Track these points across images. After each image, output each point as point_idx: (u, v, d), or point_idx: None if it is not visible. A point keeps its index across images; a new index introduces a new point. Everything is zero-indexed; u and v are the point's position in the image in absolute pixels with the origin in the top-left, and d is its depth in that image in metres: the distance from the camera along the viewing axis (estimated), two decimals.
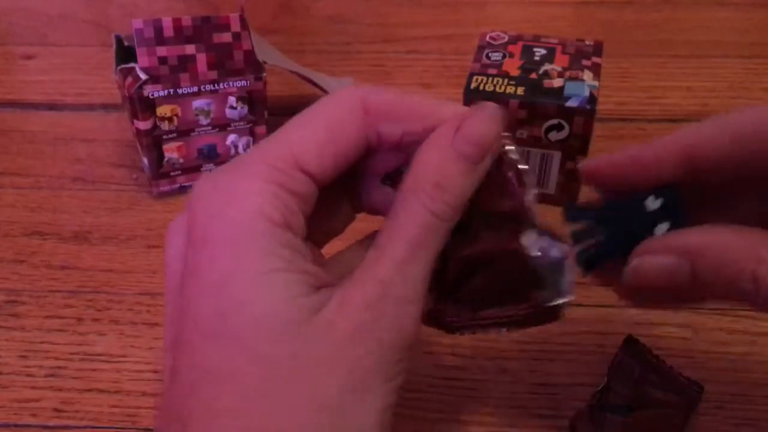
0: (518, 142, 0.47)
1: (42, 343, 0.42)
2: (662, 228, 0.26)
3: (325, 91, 0.55)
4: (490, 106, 0.26)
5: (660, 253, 0.26)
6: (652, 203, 0.27)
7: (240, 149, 0.51)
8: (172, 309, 0.26)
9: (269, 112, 0.51)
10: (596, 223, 0.28)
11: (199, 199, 0.25)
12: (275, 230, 0.23)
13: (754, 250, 0.24)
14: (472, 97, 0.47)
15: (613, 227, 0.27)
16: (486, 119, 0.25)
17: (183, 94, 0.48)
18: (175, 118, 0.48)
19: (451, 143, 0.25)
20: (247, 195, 0.24)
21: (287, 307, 0.23)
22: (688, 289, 0.25)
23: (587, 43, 0.51)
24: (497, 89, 0.46)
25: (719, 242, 0.25)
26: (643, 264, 0.26)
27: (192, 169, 0.51)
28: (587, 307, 0.43)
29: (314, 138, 0.25)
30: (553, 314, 0.28)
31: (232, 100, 0.49)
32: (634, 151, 0.28)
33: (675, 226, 0.26)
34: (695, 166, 0.27)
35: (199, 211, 0.24)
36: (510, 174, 0.26)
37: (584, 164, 0.29)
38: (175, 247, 0.26)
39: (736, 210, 0.28)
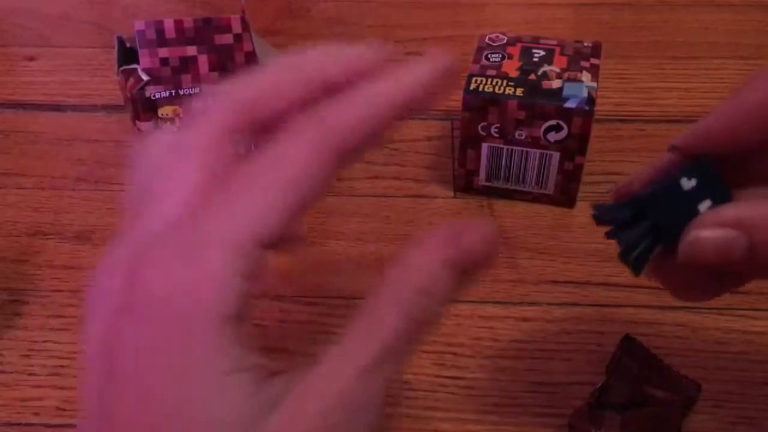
0: (517, 142, 0.48)
1: (45, 342, 0.42)
2: (705, 205, 0.26)
3: None
4: (489, 226, 0.24)
5: (715, 226, 0.25)
6: (688, 183, 0.26)
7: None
8: (96, 387, 0.23)
9: None
10: (634, 218, 0.27)
11: (152, 284, 0.21)
12: (226, 328, 0.21)
13: None
14: (470, 96, 0.47)
15: (655, 216, 0.27)
16: (486, 240, 0.24)
17: (185, 95, 0.48)
18: (176, 119, 0.49)
19: (449, 255, 0.23)
20: (200, 289, 0.21)
21: (242, 412, 0.21)
22: (743, 263, 0.25)
23: (586, 44, 0.51)
24: (496, 90, 0.47)
25: None
26: (699, 238, 0.26)
27: None
28: (585, 306, 0.43)
29: (280, 207, 0.22)
30: None
31: None
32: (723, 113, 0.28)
33: (717, 202, 0.26)
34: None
35: (142, 290, 0.22)
36: None
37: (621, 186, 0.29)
38: (104, 308, 0.23)
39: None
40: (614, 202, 0.28)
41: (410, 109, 0.24)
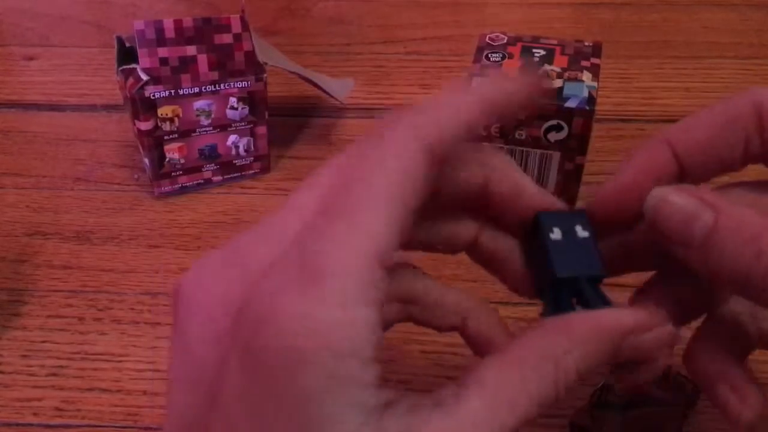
0: (518, 142, 0.48)
1: (44, 342, 0.42)
2: (557, 232, 0.26)
3: (326, 92, 0.56)
4: (676, 335, 0.24)
5: (686, 193, 0.24)
6: (554, 235, 0.26)
7: (241, 150, 0.52)
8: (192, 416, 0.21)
9: (270, 113, 0.52)
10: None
11: (275, 317, 0.19)
12: (360, 374, 0.20)
13: None
14: None
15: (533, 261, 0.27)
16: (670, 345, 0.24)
17: (184, 95, 0.48)
18: (176, 118, 0.49)
19: (618, 342, 0.23)
20: (332, 334, 0.19)
21: None
22: (695, 245, 0.24)
23: (586, 44, 0.51)
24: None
25: (743, 208, 0.24)
26: (666, 201, 0.24)
27: (193, 170, 0.51)
28: None
29: (389, 221, 0.20)
30: None
31: (233, 100, 0.50)
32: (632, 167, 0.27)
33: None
34: (685, 161, 0.26)
35: (274, 336, 0.19)
36: None
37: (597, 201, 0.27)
38: (210, 331, 0.21)
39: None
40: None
41: (489, 114, 0.24)
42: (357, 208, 0.21)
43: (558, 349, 0.22)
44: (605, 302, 0.25)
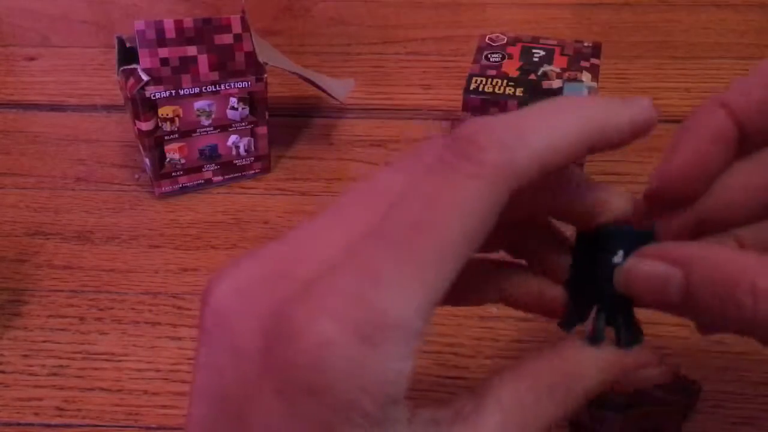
0: None
1: (44, 342, 0.42)
2: (620, 255, 0.24)
3: (326, 92, 0.56)
4: (665, 372, 0.25)
5: (652, 259, 0.23)
6: (616, 258, 0.24)
7: (241, 150, 0.52)
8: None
9: (270, 113, 0.52)
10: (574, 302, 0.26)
11: (311, 349, 0.18)
12: (402, 411, 0.20)
13: (753, 264, 0.22)
14: (470, 96, 0.47)
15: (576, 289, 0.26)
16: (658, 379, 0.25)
17: (184, 95, 0.48)
18: (176, 118, 0.49)
19: (618, 374, 0.24)
20: (372, 380, 0.19)
21: None
22: (679, 304, 0.23)
23: (586, 44, 0.51)
24: (496, 90, 0.47)
25: (716, 254, 0.22)
26: (632, 269, 0.24)
27: (193, 170, 0.51)
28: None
29: (454, 268, 0.19)
30: None
31: (233, 100, 0.50)
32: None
33: (629, 249, 0.24)
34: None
35: (307, 366, 0.19)
36: None
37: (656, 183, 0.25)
38: (245, 348, 0.20)
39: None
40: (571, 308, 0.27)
41: (595, 143, 0.22)
42: (423, 252, 0.19)
43: (569, 378, 0.23)
44: (631, 333, 0.25)
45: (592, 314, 0.25)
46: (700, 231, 0.25)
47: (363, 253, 0.19)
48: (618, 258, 0.24)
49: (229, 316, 0.20)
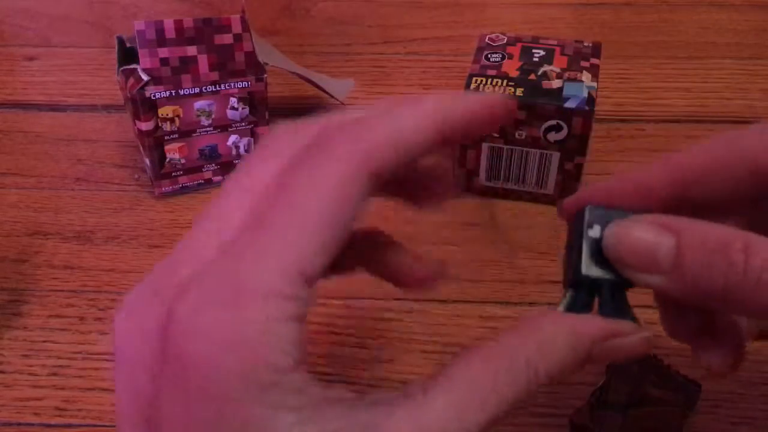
0: (517, 142, 0.48)
1: (44, 342, 0.42)
2: (596, 229, 0.25)
3: (326, 92, 0.56)
4: (649, 340, 0.24)
5: (642, 223, 0.24)
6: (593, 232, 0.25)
7: (241, 150, 0.52)
8: None
9: (270, 113, 0.52)
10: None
11: (193, 334, 0.20)
12: (285, 378, 0.20)
13: (740, 230, 0.23)
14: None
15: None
16: (642, 350, 0.24)
17: (184, 95, 0.48)
18: (176, 118, 0.49)
19: (589, 347, 0.23)
20: (249, 342, 0.20)
21: None
22: (667, 271, 0.23)
23: (586, 44, 0.51)
24: (496, 90, 0.47)
25: (705, 223, 0.23)
26: (621, 233, 0.24)
27: (193, 170, 0.51)
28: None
29: (318, 241, 0.20)
30: None
31: (233, 101, 0.50)
32: (627, 178, 0.26)
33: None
34: (684, 191, 0.26)
35: (194, 353, 0.20)
36: None
37: (567, 201, 0.27)
38: (137, 362, 0.22)
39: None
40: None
41: (442, 133, 0.23)
42: (285, 228, 0.20)
43: (530, 350, 0.22)
44: (621, 311, 0.25)
45: (568, 293, 0.25)
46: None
47: (233, 242, 0.21)
48: (594, 232, 0.24)
49: (125, 338, 0.22)
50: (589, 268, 0.25)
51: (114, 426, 0.38)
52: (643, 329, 0.24)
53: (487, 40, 0.52)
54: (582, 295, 0.25)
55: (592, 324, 0.23)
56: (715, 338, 0.27)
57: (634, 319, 0.25)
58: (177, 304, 0.20)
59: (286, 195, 0.21)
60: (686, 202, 0.26)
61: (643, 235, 0.23)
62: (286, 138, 0.23)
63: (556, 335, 0.23)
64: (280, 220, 0.21)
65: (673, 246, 0.23)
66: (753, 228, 0.24)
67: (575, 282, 0.25)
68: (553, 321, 0.23)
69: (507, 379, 0.22)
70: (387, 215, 0.50)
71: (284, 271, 0.20)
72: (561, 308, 0.25)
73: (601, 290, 0.25)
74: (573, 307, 0.25)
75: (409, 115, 0.22)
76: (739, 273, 0.22)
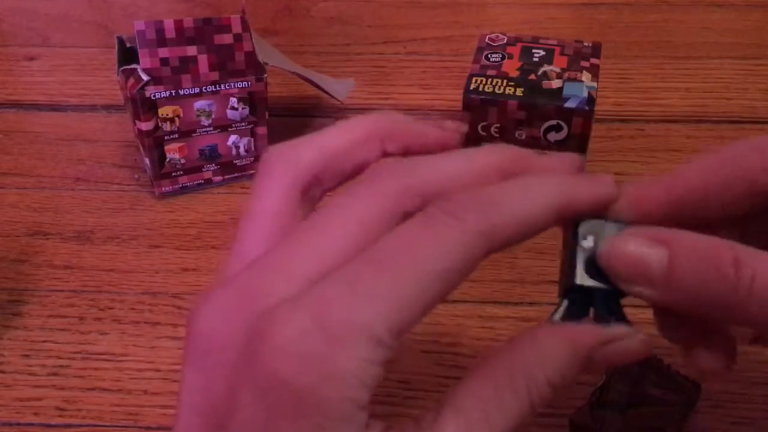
0: (517, 142, 0.48)
1: (44, 342, 0.42)
2: (590, 240, 0.25)
3: (326, 92, 0.56)
4: (648, 343, 0.24)
5: (636, 237, 0.24)
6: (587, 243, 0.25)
7: (241, 150, 0.52)
8: None
9: (270, 113, 0.52)
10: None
11: (282, 356, 0.20)
12: (359, 415, 0.21)
13: (731, 242, 0.23)
14: (470, 96, 0.47)
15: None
16: (640, 353, 0.24)
17: (184, 95, 0.48)
18: (176, 118, 0.49)
19: (588, 353, 0.23)
20: (346, 377, 0.20)
21: None
22: (659, 283, 0.24)
23: (586, 44, 0.51)
24: (496, 90, 0.47)
25: (696, 235, 0.24)
26: (615, 248, 0.24)
27: (194, 170, 0.51)
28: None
29: (423, 302, 0.21)
30: None
31: (233, 101, 0.50)
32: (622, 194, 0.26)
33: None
34: (679, 210, 0.26)
35: (271, 365, 0.20)
36: None
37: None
38: (217, 363, 0.22)
39: None
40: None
41: (562, 216, 0.24)
42: (401, 275, 0.21)
43: (528, 364, 0.23)
44: (616, 318, 0.25)
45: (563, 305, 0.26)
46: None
47: (345, 270, 0.21)
48: (588, 242, 0.25)
49: (210, 335, 0.22)
50: (583, 278, 0.25)
51: (113, 426, 0.38)
52: (639, 332, 0.24)
53: (487, 40, 0.52)
54: (577, 304, 0.25)
55: (588, 331, 0.24)
56: (708, 341, 0.27)
57: (629, 325, 0.25)
58: (276, 323, 0.20)
59: (405, 244, 0.21)
60: (680, 219, 0.26)
61: (635, 248, 0.24)
62: (401, 177, 0.24)
63: (554, 345, 0.23)
64: (396, 268, 0.21)
65: (665, 259, 0.23)
66: (744, 240, 0.24)
67: (570, 291, 0.25)
68: (549, 332, 0.24)
69: (509, 394, 0.22)
70: None
71: (388, 319, 0.21)
72: (557, 317, 0.25)
73: (595, 299, 0.25)
74: (569, 316, 0.25)
75: (537, 197, 0.23)
76: (731, 286, 0.23)
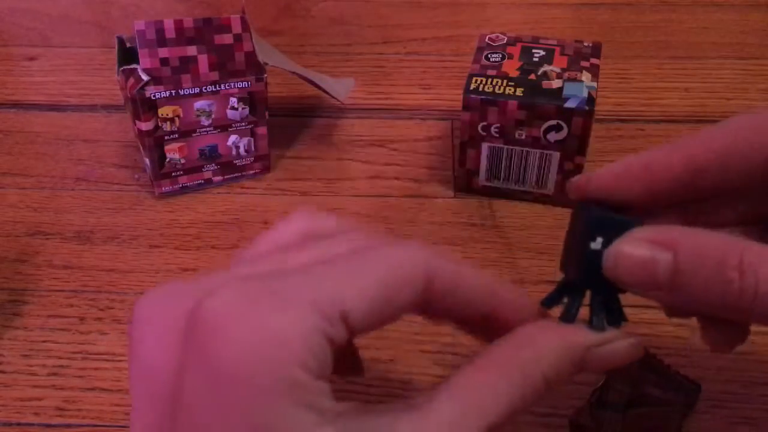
0: (517, 142, 0.48)
1: (44, 342, 0.42)
2: (598, 242, 0.25)
3: (326, 92, 0.56)
4: (638, 345, 0.25)
5: (640, 242, 0.24)
6: (595, 244, 0.25)
7: (241, 150, 0.52)
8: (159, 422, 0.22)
9: (270, 113, 0.52)
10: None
11: (228, 323, 0.20)
12: (313, 382, 0.21)
13: (737, 242, 0.23)
14: (470, 96, 0.47)
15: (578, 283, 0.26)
16: (631, 355, 0.25)
17: (184, 95, 0.48)
18: (176, 118, 0.49)
19: (581, 354, 0.24)
20: (289, 341, 0.20)
21: None
22: (666, 287, 0.24)
23: (586, 44, 0.51)
24: (496, 90, 0.47)
25: (703, 235, 0.24)
26: (620, 254, 0.24)
27: (194, 170, 0.51)
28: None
29: (367, 295, 0.22)
30: None
31: (233, 100, 0.50)
32: (635, 162, 0.27)
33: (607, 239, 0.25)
34: (695, 177, 0.26)
35: (227, 340, 0.20)
36: None
37: (578, 179, 0.27)
38: (164, 343, 0.22)
39: (715, 216, 0.28)
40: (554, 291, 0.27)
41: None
42: (350, 272, 0.22)
43: (525, 358, 0.23)
44: (615, 316, 0.26)
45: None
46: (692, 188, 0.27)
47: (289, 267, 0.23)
48: (596, 244, 0.25)
49: (148, 320, 0.23)
50: (588, 280, 0.25)
51: (113, 426, 0.38)
52: (630, 336, 0.25)
53: (487, 40, 0.52)
54: (578, 299, 0.26)
55: (581, 333, 0.25)
56: (719, 324, 0.27)
57: (625, 320, 0.26)
58: (215, 298, 0.21)
59: (362, 250, 0.23)
60: (693, 188, 0.26)
61: (640, 254, 0.24)
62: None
63: (549, 343, 0.24)
64: (347, 265, 0.22)
65: (671, 263, 0.23)
66: (757, 210, 0.25)
67: (572, 288, 0.26)
68: (545, 330, 0.24)
69: (504, 384, 0.23)
70: (387, 215, 0.50)
71: (333, 300, 0.21)
72: (561, 314, 0.26)
73: (594, 298, 0.26)
74: (569, 311, 0.26)
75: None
76: (735, 290, 0.23)
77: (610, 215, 0.25)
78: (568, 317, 0.26)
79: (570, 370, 0.24)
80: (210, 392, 0.20)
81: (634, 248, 0.24)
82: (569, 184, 0.28)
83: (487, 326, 0.26)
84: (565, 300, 0.26)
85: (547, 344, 0.24)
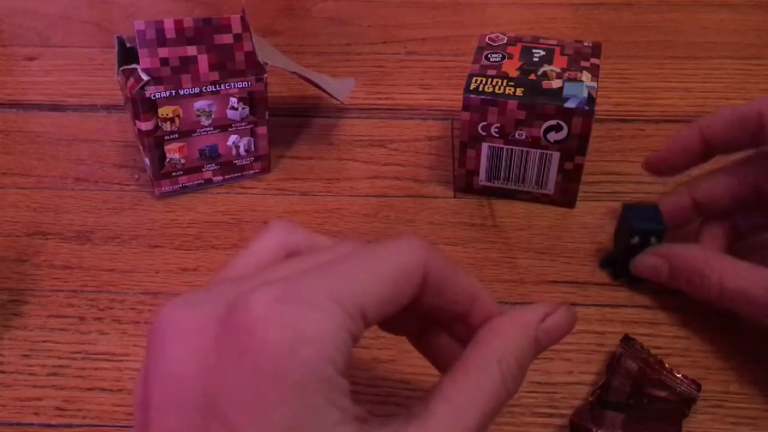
0: (517, 142, 0.48)
1: (44, 342, 0.42)
2: (636, 239, 0.42)
3: (326, 92, 0.56)
4: (571, 311, 0.29)
5: (650, 255, 0.42)
6: (634, 240, 0.42)
7: (241, 150, 0.52)
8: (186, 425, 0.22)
9: (270, 113, 0.52)
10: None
11: (265, 326, 0.22)
12: (339, 379, 0.22)
13: (706, 255, 0.40)
14: (470, 96, 0.47)
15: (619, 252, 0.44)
16: (568, 322, 0.28)
17: (184, 95, 0.48)
18: (176, 118, 0.49)
19: (534, 332, 0.27)
20: (321, 338, 0.22)
21: None
22: (667, 280, 0.41)
23: (586, 44, 0.51)
24: (496, 90, 0.47)
25: (687, 250, 0.41)
26: (640, 261, 0.43)
27: (193, 170, 0.51)
28: (585, 306, 0.43)
29: (382, 292, 0.24)
30: None
31: (233, 100, 0.50)
32: (677, 143, 0.44)
33: (659, 236, 0.42)
34: (709, 142, 0.42)
35: (267, 342, 0.21)
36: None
37: (652, 157, 0.45)
38: (194, 349, 0.23)
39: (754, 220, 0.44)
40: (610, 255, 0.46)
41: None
42: (367, 273, 0.24)
43: (495, 349, 0.26)
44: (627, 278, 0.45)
45: None
46: (698, 212, 0.44)
47: (314, 264, 0.24)
48: (635, 240, 0.42)
49: (172, 328, 0.23)
50: (625, 260, 0.43)
51: (113, 426, 0.38)
52: (563, 304, 0.29)
53: (487, 40, 0.52)
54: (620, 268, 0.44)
55: (532, 310, 0.28)
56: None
57: (636, 281, 0.44)
58: (251, 300, 0.22)
59: (366, 248, 0.25)
60: (711, 148, 0.42)
61: (652, 262, 0.42)
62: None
63: (510, 329, 0.27)
64: (358, 262, 0.24)
65: (667, 268, 0.41)
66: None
67: (617, 261, 0.45)
68: (504, 320, 0.27)
69: (483, 377, 0.25)
70: (387, 215, 0.50)
71: (353, 297, 0.23)
72: (606, 268, 0.46)
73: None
74: (617, 274, 0.45)
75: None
76: (705, 288, 0.39)
77: (648, 214, 0.42)
78: (617, 275, 0.44)
79: (533, 350, 0.27)
80: (249, 391, 0.21)
81: (649, 258, 0.42)
82: (646, 161, 0.46)
83: (452, 330, 0.29)
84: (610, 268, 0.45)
85: (509, 330, 0.27)
